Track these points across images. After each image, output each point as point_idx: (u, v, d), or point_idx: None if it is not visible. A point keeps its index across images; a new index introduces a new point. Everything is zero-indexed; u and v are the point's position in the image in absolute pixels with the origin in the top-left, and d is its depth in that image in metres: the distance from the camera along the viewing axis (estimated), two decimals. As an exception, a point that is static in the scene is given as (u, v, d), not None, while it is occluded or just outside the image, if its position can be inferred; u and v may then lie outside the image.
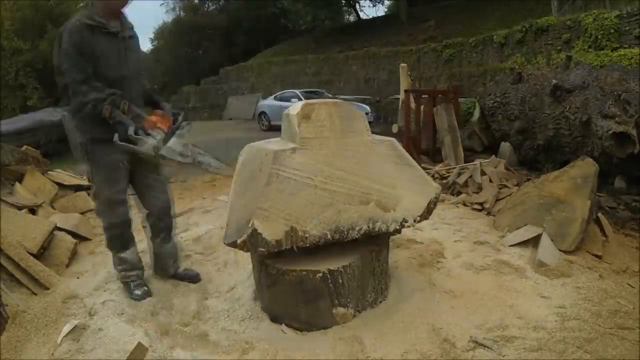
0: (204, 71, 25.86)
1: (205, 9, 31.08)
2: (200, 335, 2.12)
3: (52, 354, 1.97)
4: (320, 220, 2.04)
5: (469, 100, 8.13)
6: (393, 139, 2.38)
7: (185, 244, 3.23)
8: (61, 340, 2.03)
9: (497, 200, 3.99)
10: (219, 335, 2.12)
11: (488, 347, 1.93)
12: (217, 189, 5.53)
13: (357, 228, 2.10)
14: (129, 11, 2.36)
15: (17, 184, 4.00)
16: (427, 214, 2.32)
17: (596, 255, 2.87)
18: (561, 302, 2.30)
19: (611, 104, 4.04)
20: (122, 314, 2.28)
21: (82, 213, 3.92)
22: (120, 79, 2.24)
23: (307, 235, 2.01)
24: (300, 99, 10.46)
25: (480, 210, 3.98)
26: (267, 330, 2.14)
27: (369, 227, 2.13)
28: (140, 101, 2.37)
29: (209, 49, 29.08)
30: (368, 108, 11.15)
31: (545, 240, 2.85)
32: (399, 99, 7.59)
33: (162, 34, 33.22)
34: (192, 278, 2.66)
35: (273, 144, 2.30)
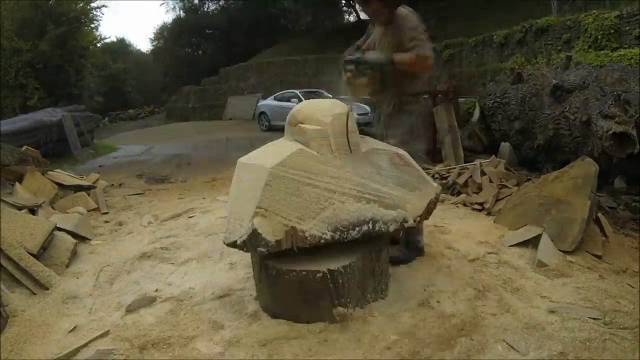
0: (204, 71, 25.87)
1: (205, 9, 31.09)
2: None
3: (52, 354, 1.97)
4: (320, 220, 2.04)
5: (469, 100, 8.15)
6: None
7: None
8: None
9: (497, 200, 3.99)
10: (220, 334, 2.11)
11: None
12: (217, 189, 5.53)
13: (357, 228, 2.10)
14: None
15: (17, 184, 4.01)
16: (427, 214, 2.32)
17: (596, 255, 2.87)
18: (561, 302, 2.30)
19: (611, 104, 4.04)
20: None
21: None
22: None
23: (307, 235, 2.01)
24: (300, 99, 10.45)
25: (480, 211, 3.98)
26: (267, 329, 2.14)
27: (369, 227, 2.12)
28: None
29: (209, 49, 29.12)
30: (368, 108, 11.13)
31: (545, 240, 2.85)
32: (399, 99, 7.60)
33: (162, 34, 33.26)
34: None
35: (275, 144, 2.30)
